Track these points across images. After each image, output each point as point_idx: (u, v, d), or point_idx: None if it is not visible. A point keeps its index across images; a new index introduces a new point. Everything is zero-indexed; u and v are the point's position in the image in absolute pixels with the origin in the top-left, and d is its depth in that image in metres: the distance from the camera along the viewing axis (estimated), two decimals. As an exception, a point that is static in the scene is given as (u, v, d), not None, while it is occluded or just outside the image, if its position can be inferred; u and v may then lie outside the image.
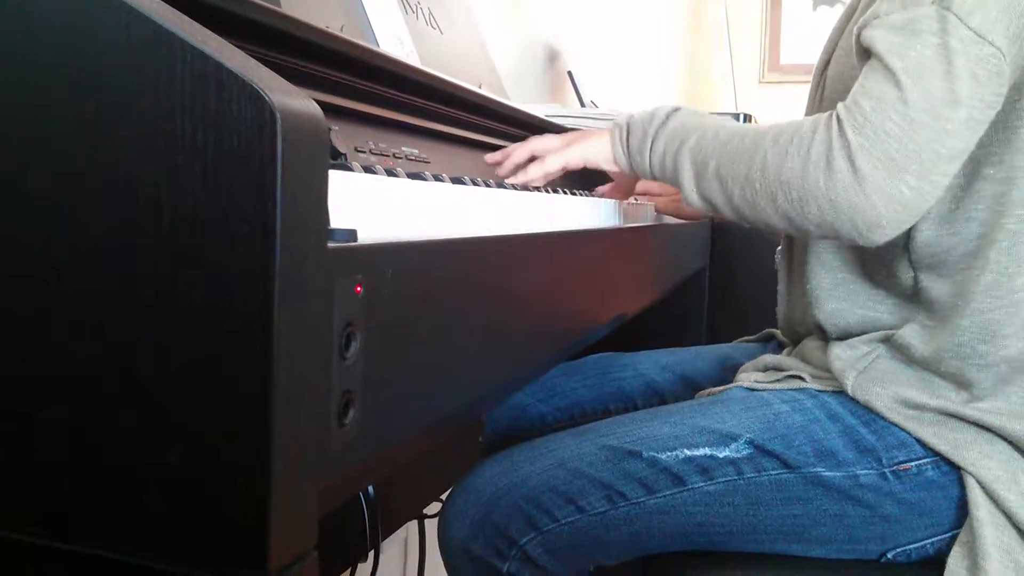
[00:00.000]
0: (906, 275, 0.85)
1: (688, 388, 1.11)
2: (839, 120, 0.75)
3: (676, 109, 0.90)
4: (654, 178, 0.91)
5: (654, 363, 1.15)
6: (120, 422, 0.39)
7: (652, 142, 0.89)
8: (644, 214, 1.17)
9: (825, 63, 0.95)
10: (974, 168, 0.79)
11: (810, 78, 1.00)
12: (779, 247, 1.06)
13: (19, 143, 0.39)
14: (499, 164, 1.00)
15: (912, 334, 0.84)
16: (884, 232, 0.74)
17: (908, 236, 0.82)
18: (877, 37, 0.75)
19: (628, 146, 0.92)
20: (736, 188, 0.81)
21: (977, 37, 0.72)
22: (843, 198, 0.73)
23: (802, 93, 1.01)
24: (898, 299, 0.87)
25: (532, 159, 0.98)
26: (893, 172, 0.72)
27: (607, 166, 0.96)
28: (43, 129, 0.39)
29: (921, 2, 0.74)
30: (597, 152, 0.95)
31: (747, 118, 2.09)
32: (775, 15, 4.44)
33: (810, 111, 0.98)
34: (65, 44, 0.38)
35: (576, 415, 1.11)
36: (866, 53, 0.77)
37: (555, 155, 0.96)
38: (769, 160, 0.78)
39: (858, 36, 0.78)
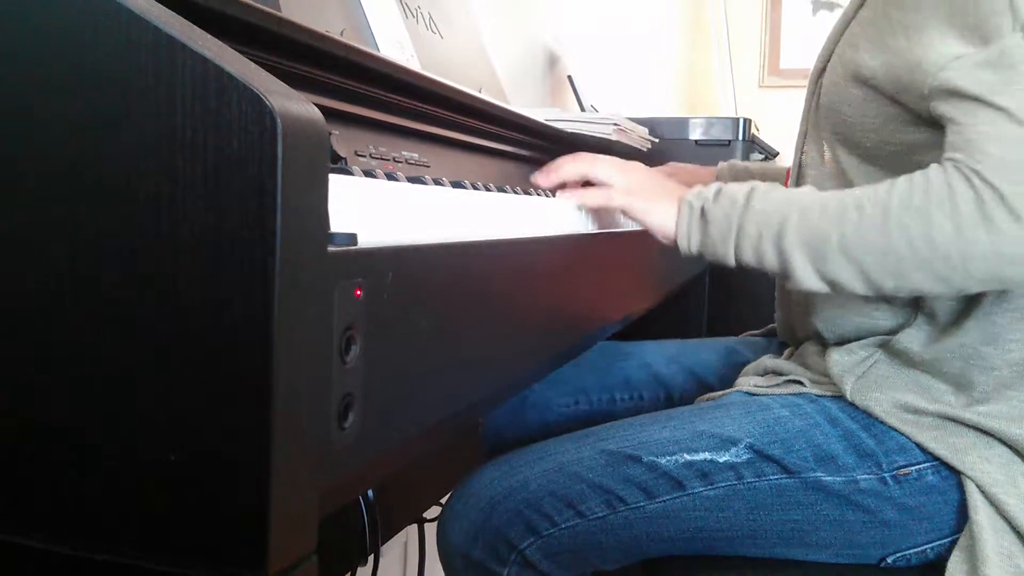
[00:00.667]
0: None
1: (693, 381, 1.11)
2: (975, 171, 0.72)
3: (752, 189, 0.83)
4: (739, 265, 0.84)
5: (660, 354, 1.15)
6: (120, 426, 0.39)
7: (739, 228, 0.81)
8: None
9: (820, 71, 0.94)
10: None
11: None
12: None
13: (20, 146, 0.40)
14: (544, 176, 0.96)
15: (911, 338, 0.84)
16: None
17: None
18: (971, 79, 0.73)
19: (706, 234, 0.84)
20: (874, 263, 0.75)
21: None
22: (1011, 247, 0.70)
23: (802, 97, 1.01)
24: (897, 305, 0.87)
25: (584, 179, 0.93)
26: None
27: (662, 239, 0.89)
28: (44, 132, 0.39)
29: (1001, 32, 0.73)
30: (659, 222, 0.88)
31: (747, 122, 2.09)
32: (775, 19, 4.45)
33: (806, 118, 0.98)
34: (66, 48, 0.38)
35: (581, 401, 1.11)
36: (950, 96, 0.75)
37: (621, 198, 0.90)
38: (912, 228, 0.73)
39: (930, 79, 0.76)
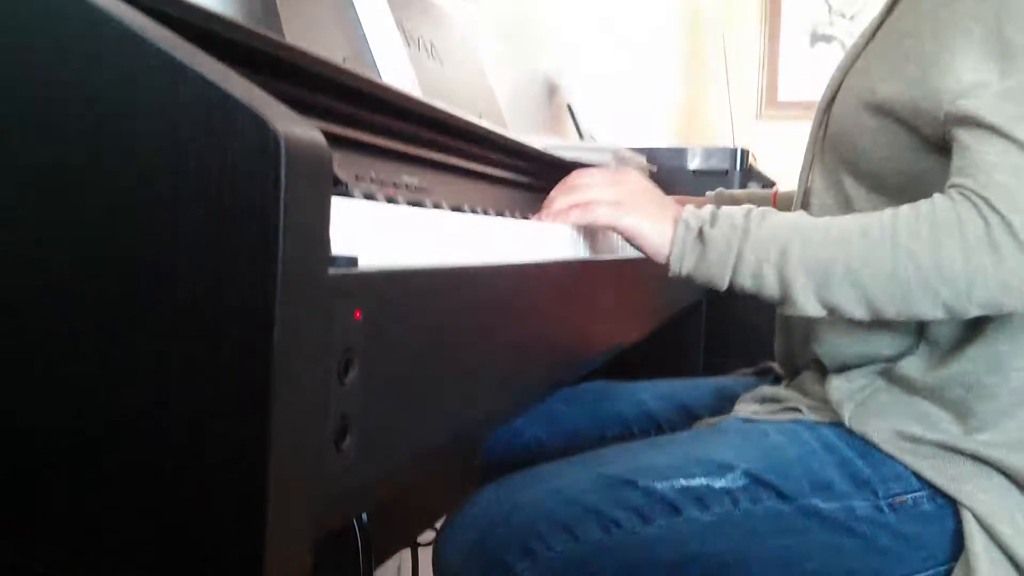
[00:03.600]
0: None
1: (685, 417, 1.11)
2: (983, 199, 0.73)
3: (750, 211, 0.82)
4: (734, 290, 0.83)
5: (652, 392, 1.15)
6: (114, 445, 0.39)
7: (738, 253, 0.80)
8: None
9: (830, 100, 0.95)
10: None
11: (808, 115, 1.00)
12: None
13: (24, 167, 0.40)
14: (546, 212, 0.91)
15: (912, 365, 0.84)
16: None
17: None
18: (987, 107, 0.74)
19: (702, 257, 0.83)
20: (879, 290, 0.75)
21: None
22: (1014, 276, 0.72)
23: (799, 130, 1.02)
24: (899, 332, 0.87)
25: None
26: None
27: (651, 255, 0.87)
28: (48, 154, 0.40)
29: (1017, 63, 0.74)
30: (650, 240, 0.86)
31: (745, 153, 2.10)
32: (773, 52, 4.48)
33: (812, 147, 0.99)
34: (72, 71, 0.39)
35: (572, 440, 1.11)
36: (964, 124, 0.76)
37: (608, 214, 0.87)
38: (920, 254, 0.74)
39: (946, 105, 0.77)
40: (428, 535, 1.41)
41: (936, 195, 0.76)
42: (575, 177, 0.92)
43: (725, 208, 0.84)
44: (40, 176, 0.40)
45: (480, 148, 1.03)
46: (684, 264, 0.84)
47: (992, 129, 0.74)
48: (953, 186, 0.75)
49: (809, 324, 0.93)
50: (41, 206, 0.40)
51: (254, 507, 0.37)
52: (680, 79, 4.07)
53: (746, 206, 0.84)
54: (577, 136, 2.21)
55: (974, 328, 0.82)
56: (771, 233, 0.80)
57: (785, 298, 0.79)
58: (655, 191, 0.92)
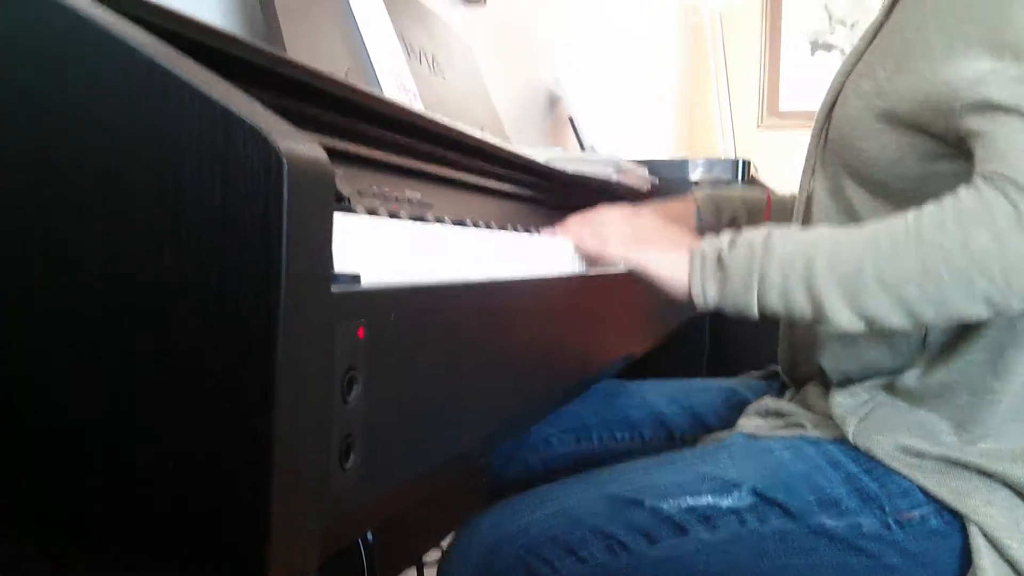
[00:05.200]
0: None
1: (694, 421, 1.10)
2: (1010, 182, 0.70)
3: (769, 234, 0.79)
4: (765, 315, 0.80)
5: (660, 392, 1.14)
6: (116, 466, 0.38)
7: (761, 276, 0.78)
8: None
9: (830, 105, 0.95)
10: None
11: (809, 124, 1.00)
12: None
13: (28, 184, 0.40)
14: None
15: (914, 376, 0.84)
16: None
17: None
18: (1003, 91, 0.73)
19: (726, 284, 0.80)
20: (913, 288, 0.72)
21: None
22: None
23: (800, 138, 1.01)
24: (901, 342, 0.87)
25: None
26: None
27: (673, 293, 0.84)
28: (52, 170, 0.39)
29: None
30: (669, 275, 0.83)
31: (746, 164, 2.10)
32: (773, 61, 4.49)
33: (812, 153, 0.98)
34: (75, 88, 0.39)
35: (582, 440, 1.10)
36: (981, 111, 0.75)
37: (618, 248, 0.86)
38: (949, 247, 0.71)
39: (964, 95, 0.76)
40: (434, 554, 1.40)
41: (960, 188, 0.73)
42: (596, 210, 0.92)
43: (743, 232, 0.82)
44: (40, 194, 0.40)
45: (483, 162, 1.03)
46: (708, 294, 0.81)
47: (1012, 111, 0.72)
48: (979, 174, 0.73)
49: (812, 334, 0.92)
50: (41, 223, 0.39)
51: (258, 525, 0.37)
52: (681, 89, 4.08)
53: (766, 227, 0.81)
54: (579, 148, 2.21)
55: (974, 333, 0.82)
56: (793, 250, 0.77)
57: (818, 314, 0.76)
58: (671, 228, 0.90)
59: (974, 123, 0.75)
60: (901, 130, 0.83)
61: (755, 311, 0.79)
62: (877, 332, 0.76)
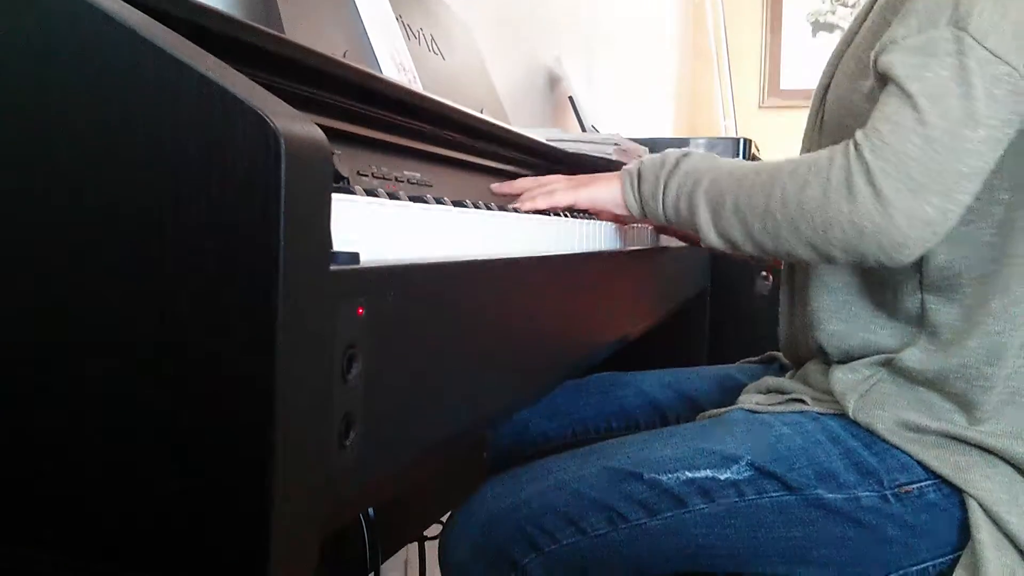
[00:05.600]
0: (912, 298, 0.85)
1: (689, 407, 1.11)
2: (857, 145, 0.76)
3: (687, 154, 0.90)
4: (667, 222, 0.91)
5: (656, 381, 1.15)
6: (118, 445, 0.39)
7: (664, 186, 0.89)
8: (645, 237, 1.18)
9: (825, 87, 0.95)
10: (989, 192, 0.79)
11: (810, 103, 1.00)
12: (762, 272, 1.06)
13: (24, 166, 0.40)
14: (506, 194, 1.01)
15: (913, 357, 0.84)
16: (910, 253, 0.75)
17: (922, 259, 0.82)
18: (895, 62, 0.76)
19: (640, 192, 0.92)
20: (756, 222, 0.81)
21: (993, 57, 0.73)
22: (868, 221, 0.74)
23: (802, 118, 1.01)
24: (901, 322, 0.87)
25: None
26: (916, 193, 0.73)
27: (617, 210, 0.96)
28: (48, 153, 0.39)
29: (936, 24, 0.75)
30: (607, 196, 0.95)
31: (747, 143, 2.10)
32: (775, 41, 4.47)
33: (809, 135, 0.99)
34: (73, 70, 0.39)
35: (579, 432, 1.11)
36: (883, 78, 0.78)
37: (565, 192, 0.96)
38: (789, 191, 0.78)
39: (875, 61, 0.78)
40: (435, 529, 1.41)
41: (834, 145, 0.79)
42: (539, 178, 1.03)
43: (668, 151, 0.92)
44: (37, 173, 0.40)
45: (482, 142, 1.03)
46: (633, 205, 0.93)
47: (895, 82, 0.76)
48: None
49: (811, 312, 0.93)
50: (38, 203, 0.40)
51: (259, 505, 0.37)
52: (682, 69, 4.06)
53: (686, 149, 0.91)
54: (579, 128, 2.21)
55: (973, 318, 0.82)
56: (694, 169, 0.88)
57: (696, 230, 0.87)
58: (611, 173, 0.99)
59: (881, 84, 0.79)
60: None
61: (662, 218, 0.91)
62: (737, 253, 0.87)
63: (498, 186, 1.02)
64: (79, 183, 0.39)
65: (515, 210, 0.92)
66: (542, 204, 0.95)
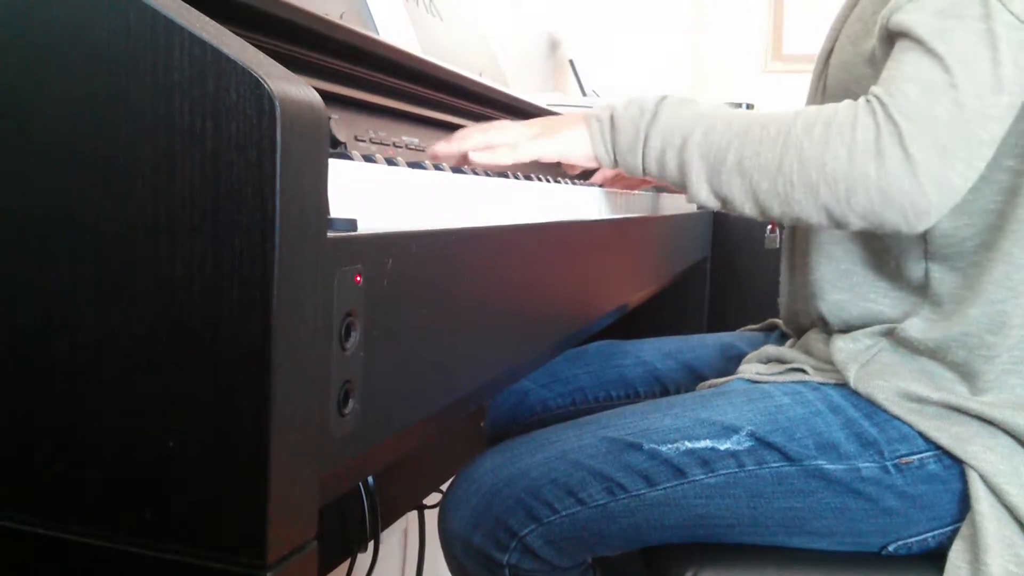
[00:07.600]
0: (916, 267, 0.85)
1: (690, 375, 1.11)
2: (883, 105, 0.72)
3: (663, 98, 0.83)
4: (647, 176, 0.85)
5: (656, 350, 1.14)
6: (117, 412, 0.38)
7: (646, 139, 0.82)
8: (645, 203, 1.17)
9: (828, 52, 0.94)
10: (995, 159, 0.78)
11: (813, 67, 0.99)
12: (768, 227, 1.04)
13: (17, 129, 0.39)
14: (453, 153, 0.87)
15: (915, 327, 0.84)
16: (931, 219, 0.73)
17: None
18: (917, 21, 0.73)
19: (615, 143, 0.85)
20: (764, 182, 0.75)
21: (1019, 22, 0.71)
22: (895, 186, 0.71)
23: (805, 83, 1.00)
24: (903, 291, 0.87)
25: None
26: (944, 158, 0.70)
27: (586, 163, 0.88)
28: (41, 114, 0.39)
29: None
30: (575, 148, 0.86)
31: (749, 108, 2.08)
32: (778, 4, 4.42)
33: (812, 100, 0.97)
34: (64, 30, 0.38)
35: (578, 401, 1.11)
36: (890, 38, 0.76)
37: (528, 145, 0.86)
38: (807, 151, 0.73)
39: (887, 20, 0.77)
40: (434, 497, 1.42)
41: (846, 100, 0.75)
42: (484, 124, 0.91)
43: (642, 94, 0.85)
44: (30, 137, 0.39)
45: (481, 107, 1.02)
46: (605, 157, 0.86)
47: (918, 41, 0.73)
48: (869, 92, 0.75)
49: (813, 281, 0.92)
50: (33, 168, 0.39)
51: (258, 473, 0.37)
52: (684, 32, 4.02)
53: (661, 93, 0.85)
54: (580, 92, 2.19)
55: (975, 287, 0.81)
56: (679, 118, 0.81)
57: (685, 185, 0.81)
58: (566, 116, 0.92)
59: (892, 47, 0.76)
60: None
61: (640, 172, 0.84)
62: (731, 213, 0.81)
63: (443, 146, 0.86)
64: (68, 143, 0.38)
65: (515, 177, 0.91)
66: (506, 160, 0.85)
